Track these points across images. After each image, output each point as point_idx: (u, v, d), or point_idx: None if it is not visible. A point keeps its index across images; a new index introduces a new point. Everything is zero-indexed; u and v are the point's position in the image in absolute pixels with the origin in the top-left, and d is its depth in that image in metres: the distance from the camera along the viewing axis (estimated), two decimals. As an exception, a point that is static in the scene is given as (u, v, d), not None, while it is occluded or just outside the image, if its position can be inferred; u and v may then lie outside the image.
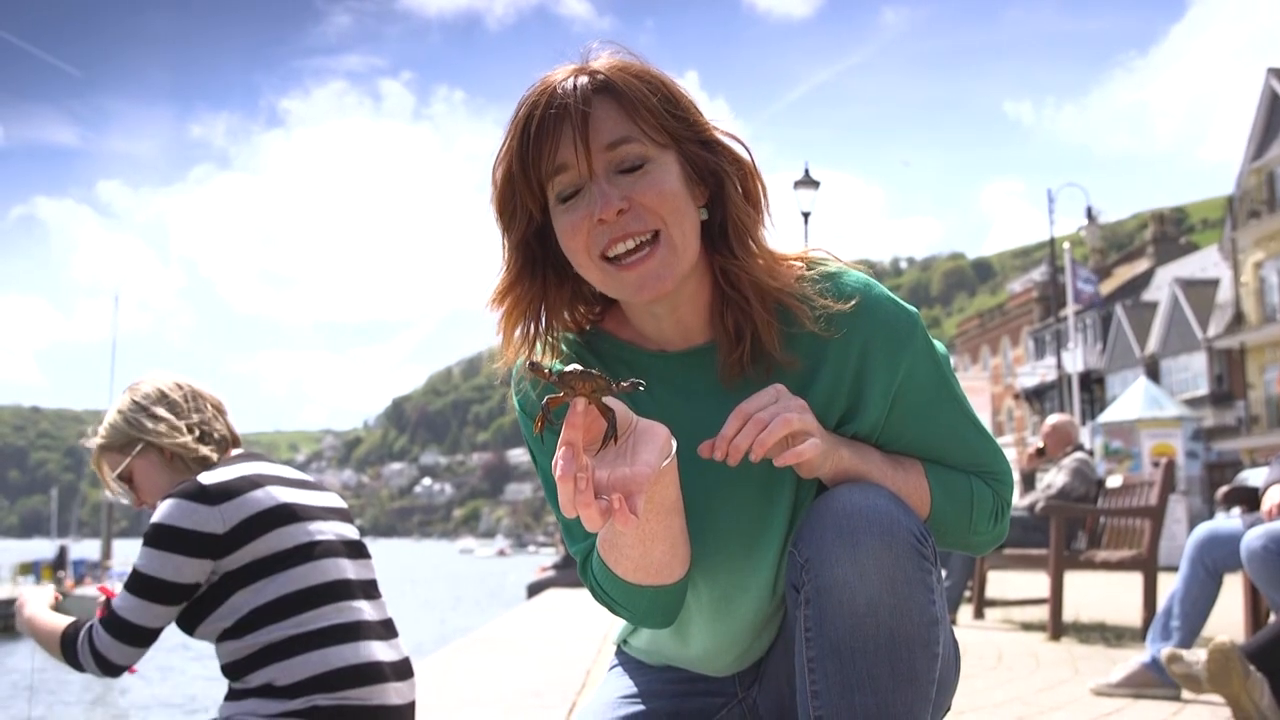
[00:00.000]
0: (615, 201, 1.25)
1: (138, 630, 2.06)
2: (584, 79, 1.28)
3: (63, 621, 2.18)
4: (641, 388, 1.16)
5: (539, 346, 1.39)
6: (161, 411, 2.22)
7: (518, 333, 1.38)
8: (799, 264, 1.37)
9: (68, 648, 2.14)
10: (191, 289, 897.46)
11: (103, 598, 2.11)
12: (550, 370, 1.12)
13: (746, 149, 1.35)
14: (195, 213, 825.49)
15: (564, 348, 1.42)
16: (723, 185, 1.32)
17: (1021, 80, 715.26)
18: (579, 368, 1.10)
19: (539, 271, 1.37)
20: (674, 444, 1.16)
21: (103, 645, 2.07)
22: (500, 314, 1.38)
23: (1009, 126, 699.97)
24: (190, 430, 2.22)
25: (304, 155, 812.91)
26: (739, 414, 1.24)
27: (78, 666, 2.12)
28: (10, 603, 26.46)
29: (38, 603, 2.27)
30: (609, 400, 1.12)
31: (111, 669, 2.09)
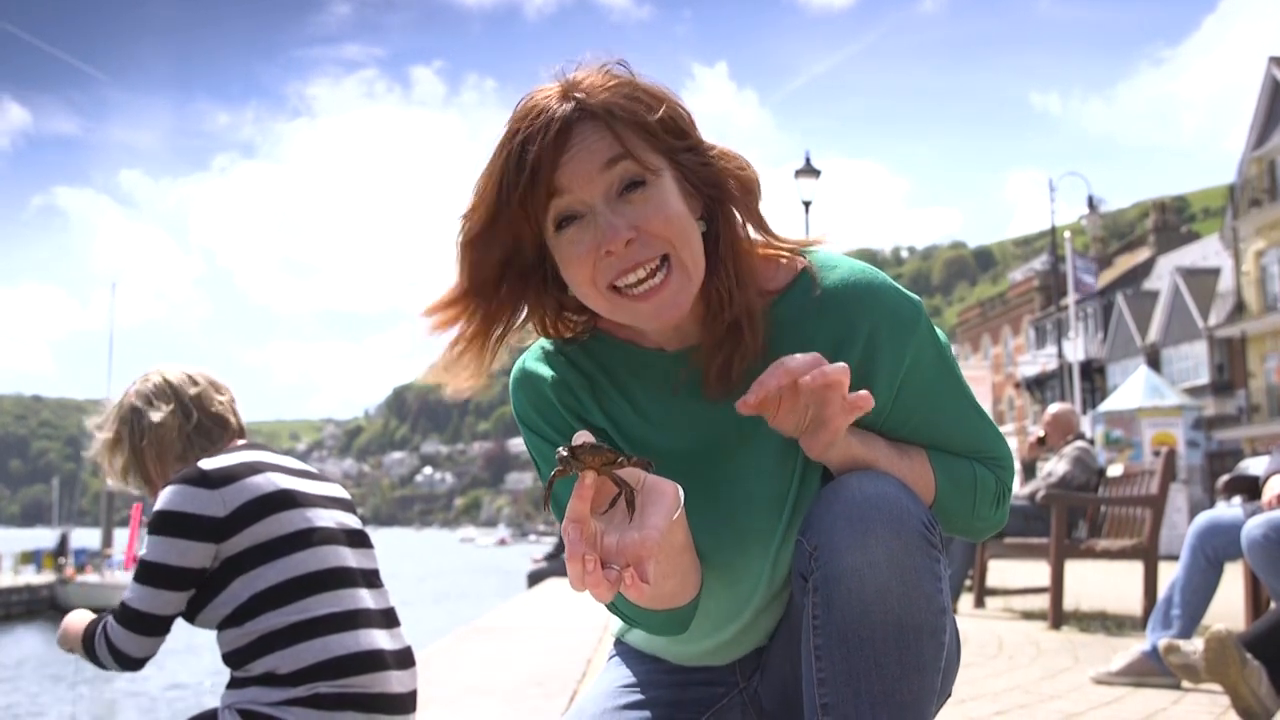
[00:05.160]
0: (624, 232, 1.21)
1: (150, 619, 2.06)
2: (569, 103, 1.23)
3: (85, 622, 2.17)
4: (651, 468, 1.12)
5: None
6: (169, 401, 2.22)
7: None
8: (794, 256, 1.36)
9: (87, 645, 2.13)
10: (209, 278, 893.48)
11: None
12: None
13: (750, 169, 1.32)
14: (217, 202, 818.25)
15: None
16: (719, 202, 1.30)
17: (1050, 71, 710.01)
18: (589, 440, 1.07)
19: (530, 289, 1.34)
20: (681, 497, 1.12)
21: (118, 639, 2.07)
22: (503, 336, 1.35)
23: (1036, 117, 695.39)
24: (198, 420, 2.22)
25: (329, 143, 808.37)
26: (781, 363, 1.18)
27: (99, 664, 2.12)
28: (13, 591, 26.57)
29: (73, 614, 2.25)
30: (622, 472, 1.09)
31: (129, 662, 2.09)
